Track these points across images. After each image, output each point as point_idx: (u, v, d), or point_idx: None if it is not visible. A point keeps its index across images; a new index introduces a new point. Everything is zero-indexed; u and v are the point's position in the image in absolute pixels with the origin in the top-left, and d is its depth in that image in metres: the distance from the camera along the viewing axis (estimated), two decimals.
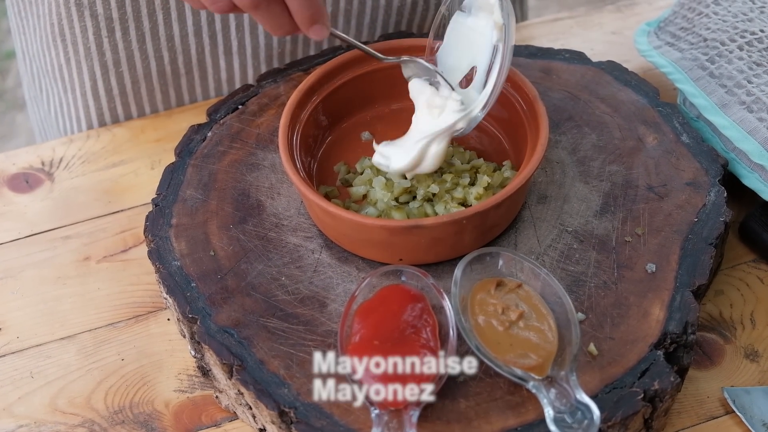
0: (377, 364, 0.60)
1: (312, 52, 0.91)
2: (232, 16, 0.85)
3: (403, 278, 0.66)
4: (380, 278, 0.66)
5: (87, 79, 0.88)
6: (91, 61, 0.86)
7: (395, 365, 0.60)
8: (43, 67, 0.92)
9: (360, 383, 0.60)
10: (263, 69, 0.90)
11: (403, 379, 0.60)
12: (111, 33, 0.84)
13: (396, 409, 0.59)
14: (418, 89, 0.72)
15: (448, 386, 0.62)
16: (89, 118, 0.92)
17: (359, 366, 0.61)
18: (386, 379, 0.60)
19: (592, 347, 0.64)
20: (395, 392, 0.59)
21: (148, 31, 0.84)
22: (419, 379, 0.60)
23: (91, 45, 0.85)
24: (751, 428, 0.65)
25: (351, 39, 0.73)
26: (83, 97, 0.90)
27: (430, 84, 0.72)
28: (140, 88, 0.89)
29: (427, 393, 0.60)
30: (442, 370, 0.61)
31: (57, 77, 0.90)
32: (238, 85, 0.92)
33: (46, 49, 0.88)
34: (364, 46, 0.73)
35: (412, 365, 0.60)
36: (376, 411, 0.59)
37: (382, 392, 0.60)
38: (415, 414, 0.59)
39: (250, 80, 0.92)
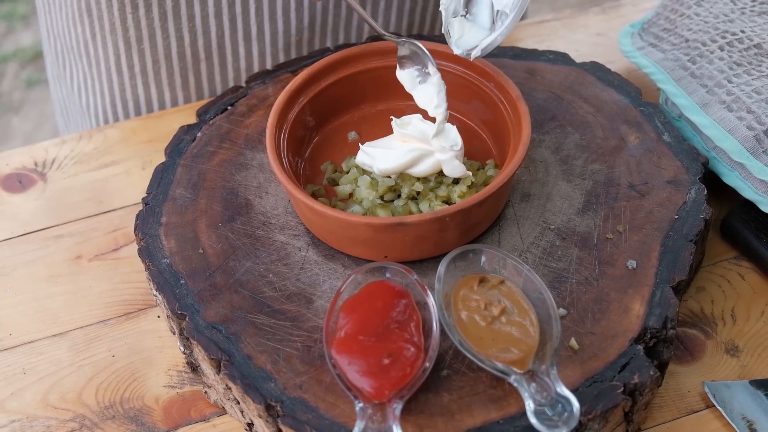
0: (361, 359, 0.61)
1: (329, 43, 0.93)
2: (252, 0, 0.86)
3: (387, 275, 0.67)
4: (365, 275, 0.67)
5: (111, 53, 0.90)
6: (115, 36, 0.88)
7: (379, 359, 0.61)
8: (68, 44, 0.93)
9: (344, 377, 0.62)
10: (281, 57, 0.92)
11: (386, 373, 0.61)
12: (135, 9, 0.85)
13: (380, 403, 0.61)
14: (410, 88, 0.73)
15: (432, 380, 0.63)
16: (112, 93, 0.93)
17: (343, 360, 0.62)
18: (370, 373, 0.61)
19: (573, 342, 0.65)
20: (379, 386, 0.61)
21: (170, 9, 0.86)
22: (403, 373, 0.61)
23: (115, 20, 0.86)
24: (730, 422, 0.66)
25: (360, 9, 0.74)
26: (107, 71, 0.92)
27: (419, 71, 0.73)
28: (160, 69, 0.91)
29: (410, 387, 0.61)
30: (425, 365, 0.62)
31: (82, 52, 0.92)
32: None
33: (72, 24, 0.90)
34: (371, 21, 0.75)
35: (396, 360, 0.61)
36: (360, 404, 0.60)
37: (366, 386, 0.61)
38: (398, 407, 0.60)
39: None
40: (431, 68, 0.73)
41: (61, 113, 1.06)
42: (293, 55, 0.92)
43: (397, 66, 0.75)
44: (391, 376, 0.61)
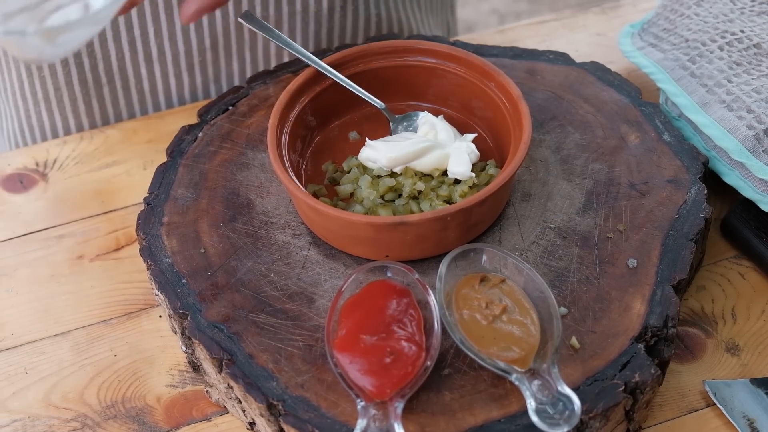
0: (363, 358, 0.62)
1: (234, 63, 0.92)
2: (150, 20, 0.87)
3: (388, 274, 0.67)
4: (366, 274, 0.67)
5: (15, 80, 0.91)
6: (18, 64, 0.89)
7: (381, 358, 0.62)
8: None
9: (346, 376, 0.62)
10: (185, 78, 0.92)
11: (388, 371, 0.61)
12: None
13: (381, 401, 0.61)
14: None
15: (433, 379, 0.64)
16: (20, 119, 0.94)
17: (345, 359, 0.62)
18: (372, 372, 0.61)
19: (574, 341, 0.65)
20: (380, 385, 0.61)
21: None
22: (404, 371, 0.61)
23: None
24: (731, 420, 0.66)
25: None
26: (13, 97, 0.93)
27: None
28: (63, 95, 0.91)
29: (411, 385, 0.61)
30: (427, 363, 0.62)
31: None
32: (161, 98, 0.93)
33: None
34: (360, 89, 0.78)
35: (397, 358, 0.62)
36: (362, 403, 0.61)
37: (368, 384, 0.61)
38: (400, 406, 0.60)
39: (173, 91, 0.93)
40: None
41: None
42: (198, 76, 0.92)
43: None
44: (393, 375, 0.61)
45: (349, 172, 0.76)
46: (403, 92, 0.80)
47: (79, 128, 0.94)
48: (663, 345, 0.66)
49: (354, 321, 0.64)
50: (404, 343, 0.62)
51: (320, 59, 0.78)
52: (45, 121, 0.93)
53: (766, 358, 0.70)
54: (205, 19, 0.89)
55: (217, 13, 0.88)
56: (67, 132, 0.94)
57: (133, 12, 0.87)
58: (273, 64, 0.94)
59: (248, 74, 0.94)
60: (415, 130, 0.77)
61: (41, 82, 0.90)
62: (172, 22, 0.88)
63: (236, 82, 0.94)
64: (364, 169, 0.74)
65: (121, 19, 0.86)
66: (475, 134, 0.76)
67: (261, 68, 0.94)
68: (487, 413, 0.62)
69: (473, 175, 0.72)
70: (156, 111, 0.95)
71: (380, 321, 0.64)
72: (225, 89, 0.95)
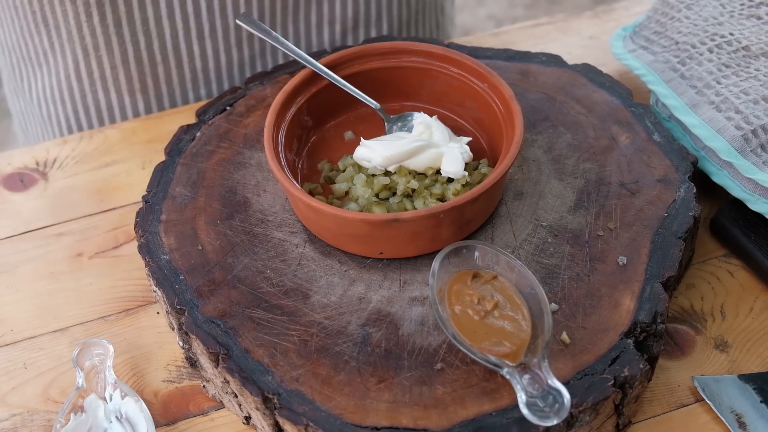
0: None
1: (290, 35, 0.94)
2: None
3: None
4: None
5: (70, 61, 0.92)
6: (73, 44, 0.90)
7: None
8: (24, 56, 0.95)
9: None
10: (234, 54, 0.93)
11: None
12: (89, 18, 0.87)
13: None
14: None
15: (426, 373, 0.65)
16: (73, 101, 0.95)
17: None
18: None
19: (564, 336, 0.66)
20: None
21: (124, 14, 0.87)
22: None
23: (72, 29, 0.88)
24: (720, 415, 0.67)
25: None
26: (67, 80, 0.93)
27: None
28: (118, 74, 0.92)
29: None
30: None
31: (42, 62, 0.93)
32: (212, 76, 0.95)
33: (28, 36, 0.92)
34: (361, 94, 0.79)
35: None
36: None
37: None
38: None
39: (223, 67, 0.94)
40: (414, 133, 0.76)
41: (19, 125, 1.08)
42: (246, 51, 0.94)
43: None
44: None
45: (344, 170, 0.77)
46: (398, 93, 0.81)
47: (134, 107, 0.95)
48: (652, 340, 0.67)
49: None
50: None
51: (316, 60, 0.79)
52: (101, 100, 0.94)
53: (754, 354, 0.71)
54: None
55: None
56: (122, 111, 0.95)
57: None
58: (315, 40, 0.96)
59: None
60: (409, 130, 0.78)
61: (98, 61, 0.91)
62: None
63: (279, 57, 0.96)
64: (359, 168, 0.76)
65: None
66: (470, 138, 0.77)
67: (303, 43, 0.96)
68: (479, 406, 0.63)
69: (466, 174, 0.73)
70: (207, 89, 0.96)
71: None
72: (270, 64, 0.97)
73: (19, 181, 0.87)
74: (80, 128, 0.98)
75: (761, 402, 0.67)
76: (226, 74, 0.95)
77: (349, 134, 0.81)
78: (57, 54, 0.91)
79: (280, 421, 0.64)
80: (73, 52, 0.90)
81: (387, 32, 0.99)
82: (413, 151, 0.73)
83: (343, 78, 0.79)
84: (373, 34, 0.99)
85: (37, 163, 0.89)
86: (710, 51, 0.80)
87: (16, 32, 0.93)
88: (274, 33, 0.82)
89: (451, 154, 0.73)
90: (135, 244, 0.77)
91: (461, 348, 0.64)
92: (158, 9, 0.88)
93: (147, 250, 0.73)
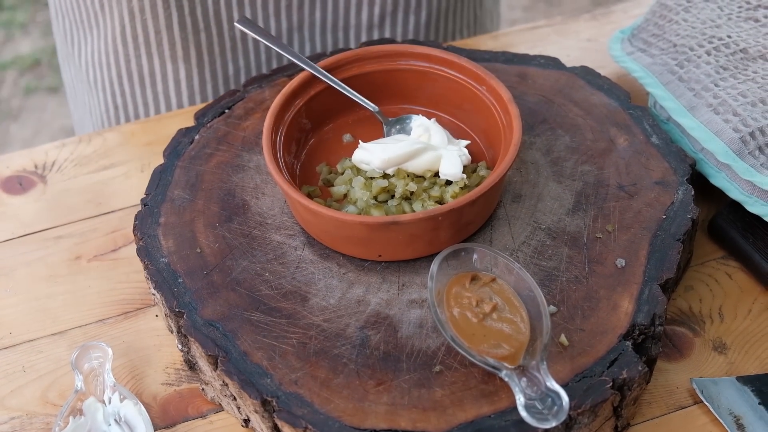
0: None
1: (317, 7, 0.94)
2: None
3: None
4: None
5: (117, 24, 0.93)
6: (120, 6, 0.91)
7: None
8: (77, 19, 0.96)
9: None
10: (272, 23, 0.94)
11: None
12: None
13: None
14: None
15: (424, 376, 0.65)
16: (118, 65, 0.96)
17: None
18: None
19: (563, 338, 0.66)
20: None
21: None
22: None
23: None
24: (718, 417, 0.67)
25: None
26: (113, 43, 0.95)
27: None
28: (162, 39, 0.93)
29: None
30: None
31: (92, 25, 0.95)
32: (250, 45, 0.95)
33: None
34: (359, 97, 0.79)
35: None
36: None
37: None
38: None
39: (261, 48, 0.95)
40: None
41: (70, 95, 1.09)
42: (283, 21, 0.95)
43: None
44: None
45: (342, 173, 0.77)
46: (396, 95, 0.81)
47: (176, 75, 0.96)
48: (650, 343, 0.67)
49: None
50: None
51: (315, 63, 0.79)
52: (144, 66, 0.95)
53: (752, 356, 0.71)
54: None
55: None
56: (164, 79, 0.97)
57: None
58: (354, 19, 0.97)
59: (329, 24, 0.97)
60: (407, 133, 0.79)
61: (143, 25, 0.92)
62: None
63: (317, 32, 0.97)
64: (358, 171, 0.76)
65: None
66: (468, 141, 0.77)
67: (341, 20, 0.97)
68: (478, 409, 0.63)
69: (464, 176, 0.73)
70: (245, 59, 0.97)
71: None
72: (307, 39, 0.97)
73: (18, 184, 0.87)
74: (123, 95, 0.99)
75: (760, 404, 0.67)
76: (263, 45, 0.96)
77: (347, 137, 0.81)
78: (106, 16, 0.93)
79: (279, 423, 0.64)
80: (120, 15, 0.92)
81: (425, 20, 1.00)
82: (412, 153, 0.73)
83: (342, 81, 0.79)
84: (411, 20, 0.99)
85: (36, 166, 0.89)
86: (708, 53, 0.81)
87: None
88: (273, 36, 0.82)
89: (449, 157, 0.73)
90: (134, 247, 0.77)
91: (460, 350, 0.64)
92: None
93: (146, 253, 0.73)
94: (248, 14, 0.93)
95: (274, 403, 0.64)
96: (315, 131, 0.80)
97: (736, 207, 0.78)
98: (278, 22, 0.94)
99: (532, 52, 0.94)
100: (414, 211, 0.72)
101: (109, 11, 0.92)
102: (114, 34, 0.93)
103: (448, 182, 0.75)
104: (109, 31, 0.94)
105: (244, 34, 0.95)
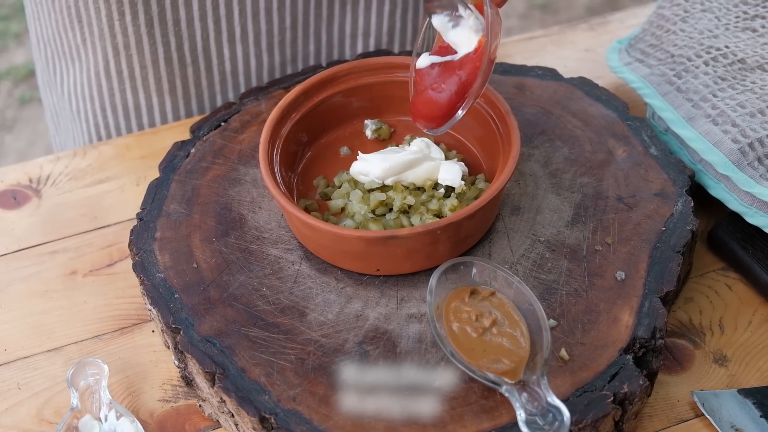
0: None
1: (311, 44, 0.94)
2: (236, 1, 0.88)
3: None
4: None
5: (101, 59, 0.92)
6: (104, 42, 0.90)
7: None
8: (58, 50, 0.95)
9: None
10: (265, 59, 0.94)
11: None
12: (122, 16, 0.87)
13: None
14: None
15: (424, 392, 0.64)
16: (102, 98, 0.95)
17: None
18: None
19: (563, 352, 0.66)
20: None
21: (156, 14, 0.87)
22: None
23: (104, 27, 0.88)
24: (719, 430, 0.67)
25: None
26: (97, 77, 0.93)
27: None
28: (148, 74, 0.92)
29: None
30: None
31: (74, 58, 0.94)
32: (241, 79, 0.95)
33: (62, 31, 0.92)
34: None
35: None
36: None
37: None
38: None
39: (253, 72, 0.94)
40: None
41: (51, 118, 1.08)
42: (276, 56, 0.94)
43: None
44: None
45: (340, 186, 0.76)
46: (395, 108, 0.81)
47: (162, 109, 0.95)
48: (651, 356, 0.67)
49: None
50: None
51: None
52: (129, 99, 0.94)
53: (753, 368, 0.71)
54: None
55: None
56: (150, 112, 0.95)
57: None
58: (349, 51, 0.97)
59: (323, 56, 0.96)
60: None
61: (127, 60, 0.91)
62: (257, 1, 0.89)
63: (312, 63, 0.97)
64: (355, 184, 0.75)
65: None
66: (462, 156, 0.77)
67: (336, 52, 0.96)
68: (478, 425, 0.62)
69: (463, 183, 0.73)
70: (235, 92, 0.96)
71: None
72: (301, 68, 0.96)
73: (12, 199, 0.86)
74: (107, 127, 0.98)
75: (761, 416, 0.67)
76: (255, 79, 0.95)
77: (344, 150, 0.80)
78: (89, 50, 0.92)
79: None
80: (104, 50, 0.91)
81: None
82: (411, 162, 0.73)
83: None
84: (408, 48, 0.99)
85: (30, 180, 0.88)
86: (706, 64, 0.80)
87: (52, 26, 0.93)
88: None
89: (448, 165, 0.73)
90: (129, 261, 0.76)
91: (459, 365, 0.63)
92: (191, 10, 0.88)
93: (142, 268, 0.72)
94: (240, 50, 0.92)
95: (273, 420, 0.63)
96: (312, 144, 0.80)
97: (736, 218, 0.77)
98: (271, 56, 0.94)
99: (529, 63, 0.94)
100: (412, 225, 0.72)
101: (92, 46, 0.91)
102: (97, 68, 0.93)
103: (447, 195, 0.74)
104: (92, 64, 0.93)
105: (234, 68, 0.94)
